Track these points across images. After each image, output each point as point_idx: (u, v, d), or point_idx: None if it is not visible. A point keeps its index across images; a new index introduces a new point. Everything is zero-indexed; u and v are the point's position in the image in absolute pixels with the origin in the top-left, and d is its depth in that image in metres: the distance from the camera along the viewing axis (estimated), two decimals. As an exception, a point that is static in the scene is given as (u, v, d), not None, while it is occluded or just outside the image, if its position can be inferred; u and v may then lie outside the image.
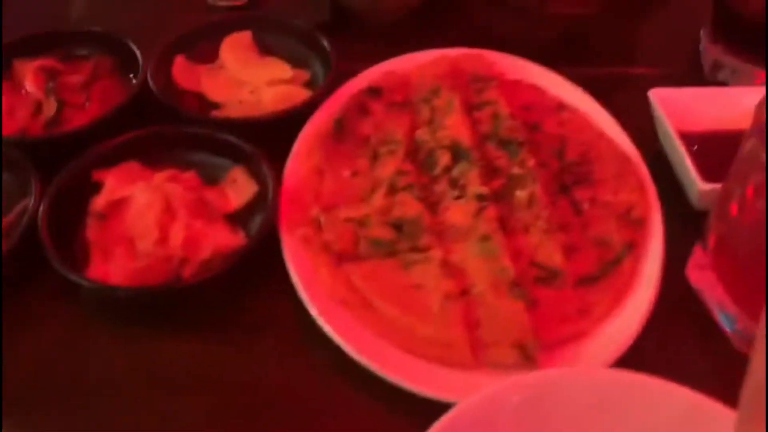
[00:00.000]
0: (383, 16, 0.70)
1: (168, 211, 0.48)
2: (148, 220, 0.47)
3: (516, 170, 0.52)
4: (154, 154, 0.53)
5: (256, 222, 0.49)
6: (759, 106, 0.40)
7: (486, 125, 0.55)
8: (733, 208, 0.43)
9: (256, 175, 0.51)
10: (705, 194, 0.49)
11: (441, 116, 0.56)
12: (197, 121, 0.56)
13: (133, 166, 0.51)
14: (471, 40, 0.64)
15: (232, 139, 0.52)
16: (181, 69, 0.62)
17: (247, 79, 0.61)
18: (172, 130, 0.54)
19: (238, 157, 0.53)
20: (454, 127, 0.54)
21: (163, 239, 0.47)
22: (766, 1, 0.57)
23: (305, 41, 0.64)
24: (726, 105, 0.56)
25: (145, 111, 0.57)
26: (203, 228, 0.47)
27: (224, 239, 0.47)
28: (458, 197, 0.50)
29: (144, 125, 0.55)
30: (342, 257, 0.46)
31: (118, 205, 0.49)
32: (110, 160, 0.51)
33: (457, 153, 0.53)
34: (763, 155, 0.38)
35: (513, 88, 0.59)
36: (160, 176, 0.50)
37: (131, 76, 0.61)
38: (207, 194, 0.50)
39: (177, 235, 0.47)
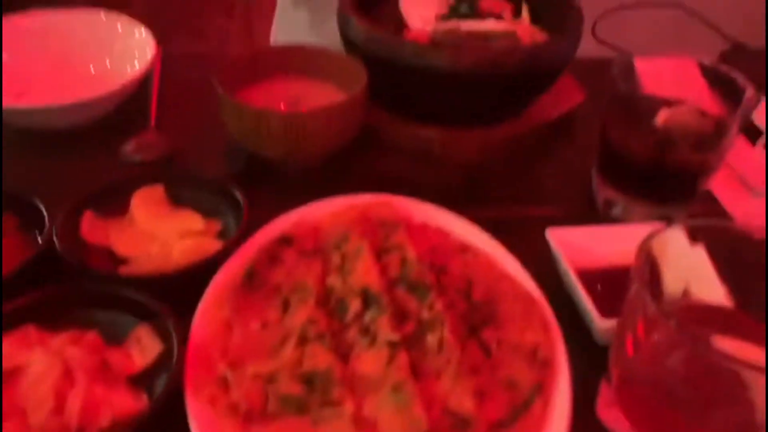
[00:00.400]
0: (296, 165, 0.73)
1: (66, 377, 0.46)
2: (43, 389, 0.45)
3: (425, 314, 0.53)
4: (54, 316, 0.51)
5: (161, 383, 0.47)
6: (638, 251, 0.43)
7: (394, 270, 0.57)
8: (629, 346, 0.45)
9: (161, 333, 0.50)
10: (605, 331, 0.51)
11: (351, 262, 0.57)
12: (102, 278, 0.55)
13: (30, 331, 0.49)
14: (379, 185, 0.67)
15: (136, 296, 0.51)
16: (90, 224, 0.61)
17: (157, 232, 0.61)
18: (73, 290, 0.52)
19: (143, 314, 0.51)
20: (364, 272, 0.55)
21: (59, 408, 0.44)
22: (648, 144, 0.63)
23: (218, 192, 0.65)
24: (619, 241, 0.59)
25: (50, 269, 0.56)
26: (103, 393, 0.45)
27: (125, 404, 0.45)
28: (370, 344, 0.50)
29: (50, 284, 0.53)
30: (250, 418, 0.45)
31: (12, 375, 0.46)
32: (6, 325, 0.49)
33: (367, 299, 0.53)
34: (647, 298, 0.40)
35: (419, 231, 0.62)
36: (58, 340, 0.48)
37: (37, 233, 0.60)
38: (109, 356, 0.49)
39: (74, 402, 0.44)
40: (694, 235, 0.50)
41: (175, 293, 0.52)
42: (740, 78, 0.65)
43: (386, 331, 0.50)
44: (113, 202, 0.63)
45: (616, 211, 0.68)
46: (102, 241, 0.61)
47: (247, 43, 1.46)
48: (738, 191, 0.73)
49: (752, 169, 0.74)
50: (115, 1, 2.98)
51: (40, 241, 0.58)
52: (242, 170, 0.74)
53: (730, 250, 0.51)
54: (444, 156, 0.77)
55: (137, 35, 0.84)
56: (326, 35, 0.79)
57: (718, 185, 0.72)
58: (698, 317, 0.49)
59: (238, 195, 0.63)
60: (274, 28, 1.29)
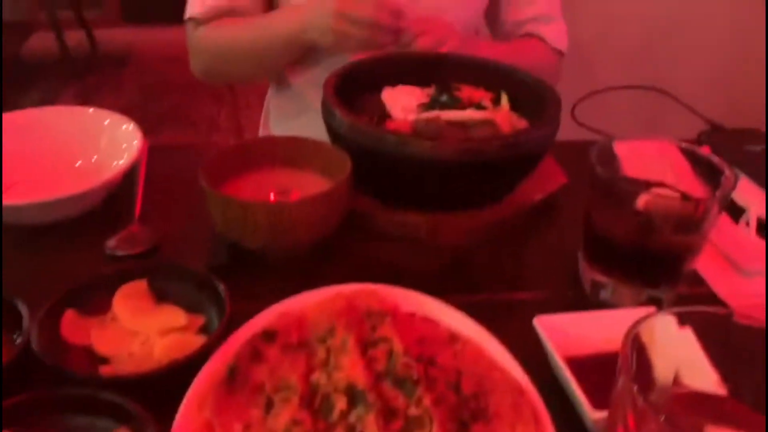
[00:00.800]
0: (280, 254, 0.72)
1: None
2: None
3: (413, 410, 0.51)
4: (30, 422, 0.49)
5: (138, 493, 0.45)
6: (624, 342, 0.42)
7: (381, 363, 0.55)
8: (622, 438, 0.43)
9: (140, 437, 0.48)
10: (597, 422, 0.50)
11: (336, 357, 0.56)
12: (80, 380, 0.53)
13: (3, 439, 0.47)
14: (366, 272, 0.66)
15: (115, 398, 0.50)
16: (70, 323, 0.60)
17: (138, 329, 0.60)
18: (49, 395, 0.51)
19: (122, 417, 0.50)
20: (350, 367, 0.54)
21: None
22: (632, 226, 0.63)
23: (201, 285, 0.64)
24: (608, 327, 0.59)
25: (29, 371, 0.54)
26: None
27: None
28: (356, 445, 0.48)
29: (30, 387, 0.52)
30: None
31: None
32: (-22, 434, 0.47)
33: (353, 396, 0.52)
34: (635, 391, 0.39)
35: (407, 321, 0.61)
36: (32, 449, 0.46)
37: (16, 334, 0.58)
38: (85, 464, 0.47)
39: None
40: (682, 321, 0.50)
41: (156, 392, 0.51)
42: (717, 160, 0.66)
43: (373, 430, 0.49)
44: (95, 300, 0.63)
45: (604, 294, 0.68)
46: (82, 340, 0.59)
47: (235, 132, 1.49)
48: (725, 270, 0.73)
49: (737, 248, 0.74)
50: (108, 89, 3.05)
51: (17, 343, 0.57)
52: (227, 261, 0.74)
53: (720, 336, 0.50)
54: (430, 241, 0.77)
55: (124, 129, 0.85)
56: (313, 123, 0.80)
57: (705, 265, 0.72)
58: (690, 406, 0.48)
59: (221, 288, 0.62)
60: (262, 116, 1.32)
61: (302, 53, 1.04)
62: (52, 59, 3.55)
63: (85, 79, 3.47)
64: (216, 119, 3.01)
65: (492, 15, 1.19)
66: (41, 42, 3.55)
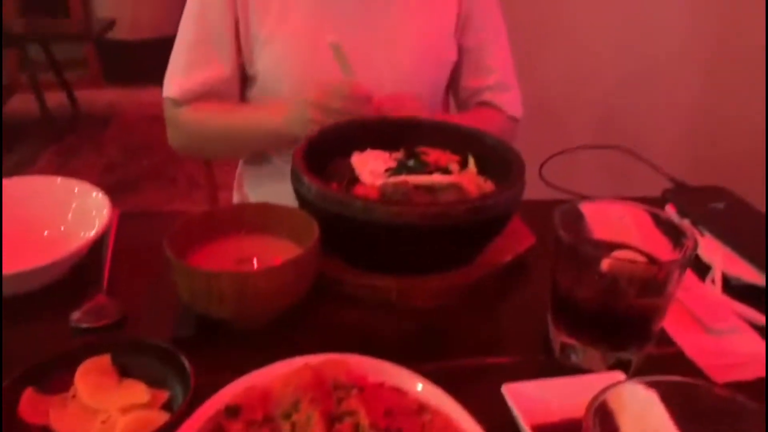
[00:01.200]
0: (247, 324, 0.72)
1: None
2: None
3: (379, 486, 0.50)
4: None
5: None
6: (587, 412, 0.42)
7: (347, 438, 0.54)
8: None
9: None
10: (566, 495, 0.49)
11: (302, 432, 0.55)
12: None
13: None
14: (335, 339, 0.66)
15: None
16: (29, 403, 0.58)
17: (100, 407, 0.59)
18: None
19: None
20: (315, 443, 0.53)
21: None
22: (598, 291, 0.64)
23: (165, 360, 0.63)
24: (576, 393, 0.58)
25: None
26: None
27: None
28: None
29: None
30: None
31: None
32: None
33: (317, 475, 0.51)
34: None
35: (375, 392, 0.60)
36: None
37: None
38: None
39: None
40: (649, 388, 0.50)
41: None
42: (679, 222, 0.67)
43: None
44: (56, 376, 0.61)
45: (574, 357, 0.68)
46: (41, 420, 0.58)
47: (213, 192, 1.49)
48: (693, 329, 0.73)
49: (704, 307, 0.75)
50: (88, 149, 3.06)
51: (-27, 425, 0.55)
52: (194, 332, 0.73)
53: (687, 403, 0.50)
54: (400, 305, 0.77)
55: (94, 197, 0.85)
56: (288, 187, 0.81)
57: (673, 324, 0.73)
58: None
59: (186, 363, 0.61)
60: (235, 180, 1.32)
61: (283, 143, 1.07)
62: (32, 120, 3.57)
63: (66, 140, 3.48)
64: (196, 178, 3.02)
65: (453, 83, 1.23)
66: (22, 104, 3.57)
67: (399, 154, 0.86)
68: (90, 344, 0.64)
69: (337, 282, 0.78)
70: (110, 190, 0.86)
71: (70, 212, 0.86)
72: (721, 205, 0.92)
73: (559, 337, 0.69)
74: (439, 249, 0.76)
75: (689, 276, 0.80)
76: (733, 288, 0.79)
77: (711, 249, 0.84)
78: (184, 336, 0.71)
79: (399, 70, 1.11)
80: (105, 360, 0.63)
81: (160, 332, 0.70)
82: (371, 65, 1.09)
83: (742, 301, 0.76)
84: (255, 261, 0.74)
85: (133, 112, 3.81)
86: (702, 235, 0.88)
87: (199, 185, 2.95)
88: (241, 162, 1.30)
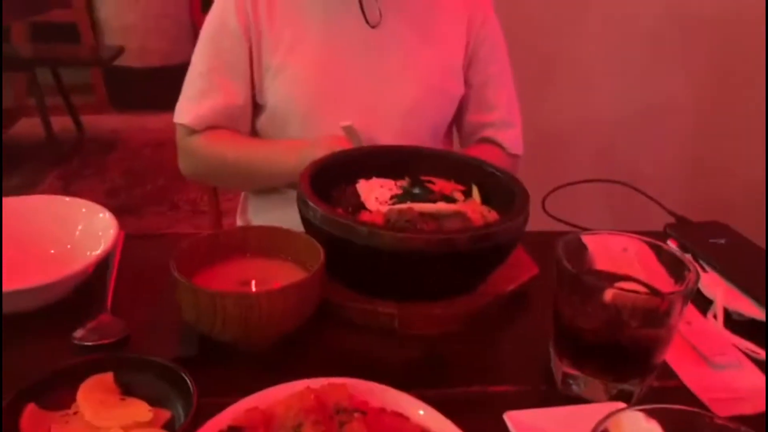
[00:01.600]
0: (251, 347, 0.72)
1: None
2: None
3: None
4: None
5: None
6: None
7: (348, 461, 0.54)
8: None
9: None
10: None
11: (303, 455, 0.54)
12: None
13: None
14: (338, 364, 0.66)
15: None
16: (31, 419, 0.58)
17: (102, 424, 0.59)
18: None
19: None
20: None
21: None
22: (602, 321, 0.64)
23: (168, 379, 0.63)
24: (578, 422, 0.58)
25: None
26: None
27: None
28: None
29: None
30: None
31: None
32: None
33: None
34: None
35: (377, 417, 0.60)
36: None
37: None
38: None
39: None
40: (650, 417, 0.50)
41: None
42: (681, 255, 0.68)
43: None
44: (59, 393, 0.61)
45: (575, 387, 0.68)
46: (42, 436, 0.58)
47: (216, 218, 1.51)
48: (695, 363, 0.73)
49: (706, 341, 0.75)
50: (92, 173, 3.08)
51: (-26, 439, 0.55)
52: (197, 353, 0.73)
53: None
54: (403, 331, 0.77)
55: (101, 217, 0.86)
56: (291, 214, 0.82)
57: (675, 357, 0.73)
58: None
59: (189, 382, 0.61)
60: (239, 205, 1.33)
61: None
62: (37, 143, 3.60)
63: (70, 163, 3.50)
64: (198, 204, 3.04)
65: (458, 117, 1.25)
66: (28, 127, 3.60)
67: (404, 182, 0.88)
68: (93, 361, 0.64)
69: (340, 307, 0.78)
70: (113, 214, 0.87)
71: (76, 231, 0.86)
72: (722, 241, 0.93)
73: (561, 367, 0.69)
74: (443, 276, 0.76)
75: (691, 310, 0.81)
76: (734, 323, 0.79)
77: (712, 284, 0.84)
78: (187, 356, 0.71)
79: (407, 104, 1.13)
80: (108, 378, 0.63)
81: (164, 352, 0.69)
82: (379, 98, 1.12)
83: (743, 335, 0.77)
84: (260, 283, 0.75)
85: (137, 138, 3.84)
86: (704, 270, 0.88)
87: (201, 211, 2.97)
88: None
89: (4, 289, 0.72)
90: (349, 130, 1.00)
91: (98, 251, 0.80)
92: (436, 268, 0.74)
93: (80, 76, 4.16)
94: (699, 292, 0.85)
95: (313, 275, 0.70)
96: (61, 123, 3.75)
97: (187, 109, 1.13)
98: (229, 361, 0.71)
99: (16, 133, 3.53)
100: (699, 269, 0.85)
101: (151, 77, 4.10)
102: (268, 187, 1.19)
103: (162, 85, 3.52)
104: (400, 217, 0.78)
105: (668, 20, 1.96)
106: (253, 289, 0.74)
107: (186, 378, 0.62)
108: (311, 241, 0.76)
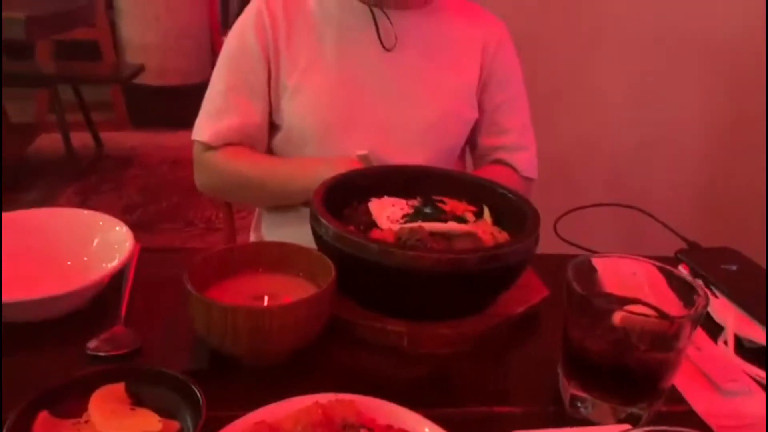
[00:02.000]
0: (261, 361, 0.72)
1: None
2: None
3: None
4: None
5: None
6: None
7: (354, 478, 0.55)
8: None
9: None
10: None
11: (310, 468, 0.55)
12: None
13: None
14: (346, 381, 0.66)
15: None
16: (43, 426, 0.59)
17: (112, 434, 0.60)
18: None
19: None
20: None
21: None
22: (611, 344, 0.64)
23: (178, 390, 0.64)
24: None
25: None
26: None
27: None
28: None
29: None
30: None
31: None
32: None
33: None
34: None
35: (383, 434, 0.60)
36: None
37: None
38: None
39: None
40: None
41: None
42: (690, 279, 0.68)
43: None
44: (71, 402, 0.62)
45: (583, 409, 0.68)
46: (52, 445, 0.59)
47: (230, 234, 1.52)
48: (704, 389, 0.73)
49: (716, 367, 0.75)
50: (109, 189, 3.12)
51: (-13, 443, 0.56)
52: (207, 366, 0.74)
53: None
54: (412, 350, 0.78)
55: (117, 231, 0.88)
56: (303, 232, 0.83)
57: (684, 383, 0.73)
58: None
59: (199, 394, 0.62)
60: (253, 222, 1.35)
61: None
62: (57, 159, 3.65)
63: (88, 179, 3.55)
64: (212, 221, 3.06)
65: (471, 140, 1.27)
66: (49, 142, 3.66)
67: (416, 202, 0.88)
68: (105, 371, 0.65)
69: (350, 324, 0.79)
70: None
71: (93, 244, 0.88)
72: (733, 267, 0.92)
73: (569, 389, 0.69)
74: (453, 296, 0.77)
75: (702, 336, 0.80)
76: (745, 349, 0.79)
77: (724, 310, 0.84)
78: (197, 369, 0.72)
79: (421, 126, 1.15)
80: (119, 388, 0.64)
81: (175, 364, 0.70)
82: (394, 120, 1.13)
83: (754, 362, 0.76)
84: (271, 298, 0.76)
85: (154, 155, 3.89)
86: (715, 296, 0.88)
87: (215, 229, 2.99)
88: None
89: (22, 298, 0.74)
90: (365, 159, 1.01)
91: (114, 264, 0.81)
92: (446, 287, 0.75)
93: (101, 93, 4.23)
94: (710, 318, 0.84)
95: (324, 291, 0.71)
96: (81, 139, 3.81)
97: (206, 127, 1.15)
98: (239, 375, 0.72)
99: (35, 149, 3.58)
100: (710, 295, 0.85)
101: (170, 95, 4.16)
102: (281, 203, 1.20)
103: (180, 103, 3.58)
104: (411, 236, 0.79)
105: (681, 44, 1.97)
106: (265, 303, 0.75)
107: (196, 390, 0.63)
108: (323, 258, 0.76)
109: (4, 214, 0.88)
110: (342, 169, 0.95)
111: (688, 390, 0.72)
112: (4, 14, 2.65)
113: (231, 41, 1.17)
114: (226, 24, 1.22)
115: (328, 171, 0.95)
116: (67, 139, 3.59)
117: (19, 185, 3.29)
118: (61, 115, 3.55)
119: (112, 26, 4.23)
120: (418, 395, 0.70)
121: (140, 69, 3.86)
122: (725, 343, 0.79)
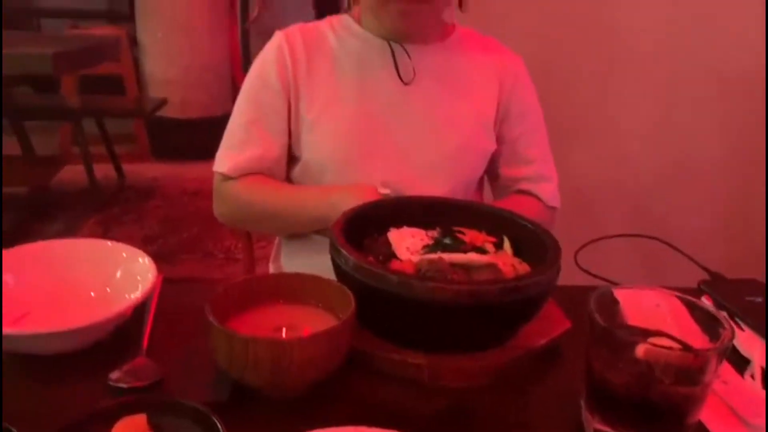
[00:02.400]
0: (281, 393, 0.72)
1: None
2: None
3: None
4: None
5: None
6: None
7: None
8: None
9: None
10: None
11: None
12: None
13: None
14: (366, 413, 0.66)
15: None
16: (64, 456, 0.60)
17: (132, 464, 0.60)
18: None
19: None
20: None
21: None
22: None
23: (199, 422, 0.64)
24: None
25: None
26: None
27: None
28: None
29: None
30: None
31: None
32: None
33: None
34: None
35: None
36: None
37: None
38: None
39: None
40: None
41: None
42: (715, 311, 0.67)
43: None
44: (93, 433, 0.62)
45: (607, 444, 0.66)
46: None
47: (249, 265, 1.53)
48: (730, 423, 0.71)
49: (742, 401, 0.73)
50: (130, 220, 3.16)
51: (9, 476, 0.56)
52: (228, 398, 0.73)
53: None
54: (431, 383, 0.77)
55: (140, 262, 0.89)
56: (322, 263, 0.83)
57: (711, 417, 0.71)
58: None
59: (219, 425, 0.62)
60: (273, 252, 1.35)
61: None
62: (80, 190, 3.71)
63: (110, 210, 3.60)
64: (232, 252, 3.08)
65: (491, 171, 1.27)
66: (72, 174, 3.72)
67: (435, 232, 0.89)
68: (127, 403, 0.66)
69: (370, 356, 0.79)
70: (150, 259, 0.89)
71: (116, 275, 0.89)
72: (759, 299, 0.91)
73: (592, 424, 0.68)
74: (473, 328, 0.76)
75: (728, 369, 0.79)
76: (773, 383, 0.78)
77: (750, 343, 0.83)
78: (218, 401, 0.72)
79: (439, 159, 1.16)
80: (141, 419, 0.64)
81: (196, 395, 0.70)
82: (412, 153, 1.14)
83: (782, 396, 0.74)
84: (291, 330, 0.76)
85: (175, 186, 3.94)
86: (741, 329, 0.87)
87: (235, 259, 3.01)
88: (278, 237, 1.34)
89: (45, 330, 0.75)
90: (386, 197, 1.02)
91: (137, 295, 0.82)
92: (466, 319, 0.74)
93: (124, 126, 4.31)
94: (736, 351, 0.83)
95: (345, 322, 0.71)
96: (104, 171, 3.87)
97: (227, 159, 1.17)
98: (259, 407, 0.71)
99: (59, 180, 3.65)
100: (735, 327, 0.84)
101: (191, 128, 4.23)
102: (299, 231, 1.21)
103: (200, 135, 3.64)
104: (430, 267, 0.79)
105: (704, 76, 1.97)
106: (284, 335, 0.75)
107: (216, 421, 0.63)
108: (342, 289, 0.77)
109: (28, 246, 0.90)
110: (357, 195, 0.95)
111: (715, 424, 0.70)
112: (32, 50, 2.73)
113: (252, 76, 1.19)
114: (247, 61, 1.25)
115: (343, 198, 0.96)
116: (90, 171, 3.65)
117: (42, 216, 3.35)
118: (84, 147, 3.62)
119: (136, 62, 4.33)
120: (438, 428, 0.70)
121: (163, 102, 3.94)
122: (752, 376, 0.78)
